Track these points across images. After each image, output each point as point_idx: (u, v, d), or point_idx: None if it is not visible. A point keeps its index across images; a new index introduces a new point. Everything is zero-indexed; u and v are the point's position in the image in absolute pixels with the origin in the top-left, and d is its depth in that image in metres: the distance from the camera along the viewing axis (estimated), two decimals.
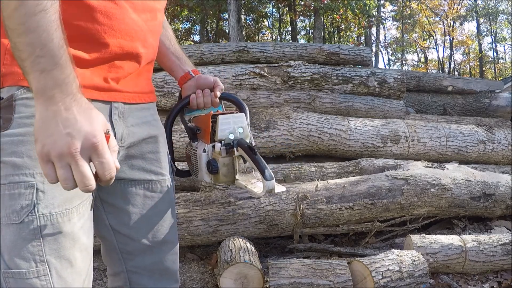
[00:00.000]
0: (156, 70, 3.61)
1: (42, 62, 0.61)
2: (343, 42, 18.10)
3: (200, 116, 1.05)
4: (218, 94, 1.08)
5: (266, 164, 0.85)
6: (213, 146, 0.95)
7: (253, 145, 0.96)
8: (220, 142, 0.93)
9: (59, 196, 0.74)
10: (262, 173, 0.84)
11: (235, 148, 0.91)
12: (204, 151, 0.97)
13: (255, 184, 0.93)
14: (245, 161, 0.93)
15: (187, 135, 1.10)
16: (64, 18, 0.69)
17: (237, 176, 0.94)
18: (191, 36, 19.53)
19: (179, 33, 18.43)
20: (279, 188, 0.88)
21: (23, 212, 0.72)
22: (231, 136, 0.94)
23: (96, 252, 0.99)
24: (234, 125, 0.95)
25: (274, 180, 0.84)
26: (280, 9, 18.82)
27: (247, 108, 1.10)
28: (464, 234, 2.48)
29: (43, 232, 0.73)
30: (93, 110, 0.65)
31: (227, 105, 1.17)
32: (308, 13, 14.04)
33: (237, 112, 1.00)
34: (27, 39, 0.61)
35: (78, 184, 0.62)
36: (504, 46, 28.78)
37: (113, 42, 0.81)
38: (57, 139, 0.61)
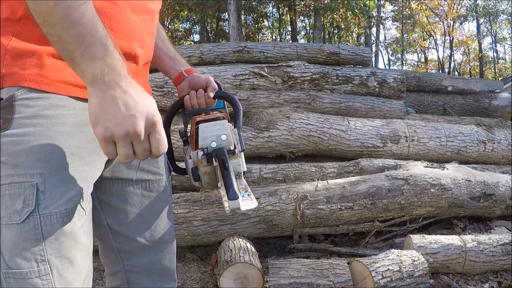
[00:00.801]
0: (156, 70, 3.62)
1: (92, 51, 0.64)
2: (343, 42, 18.10)
3: (191, 120, 1.04)
4: (211, 94, 1.07)
5: (233, 181, 0.83)
6: (197, 153, 0.93)
7: (242, 149, 0.95)
8: (202, 150, 0.91)
9: (59, 196, 0.75)
10: (227, 191, 0.81)
11: (213, 158, 0.89)
12: (190, 158, 0.96)
13: (224, 197, 0.90)
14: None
15: None
16: None
17: (219, 185, 0.92)
18: (191, 36, 19.55)
19: (179, 33, 18.44)
20: (247, 206, 0.84)
21: (24, 212, 0.72)
22: (213, 144, 0.91)
23: (96, 252, 0.99)
24: (216, 133, 0.91)
25: (239, 199, 0.81)
26: (280, 9, 18.81)
27: (241, 108, 1.08)
28: (464, 234, 2.48)
29: (44, 232, 0.73)
30: (145, 92, 0.69)
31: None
32: (308, 13, 14.04)
33: (222, 118, 0.97)
34: (74, 30, 0.63)
35: (142, 155, 0.69)
36: (504, 46, 28.80)
37: None
38: (121, 121, 0.65)
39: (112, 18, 0.79)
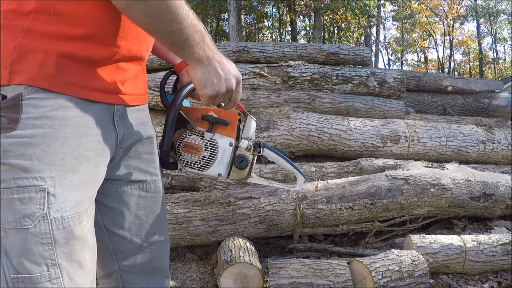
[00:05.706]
0: (156, 70, 3.61)
1: (196, 37, 0.80)
2: (343, 42, 18.09)
3: (227, 109, 1.02)
4: None
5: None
6: (244, 142, 0.99)
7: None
8: (247, 139, 1.00)
9: (70, 199, 0.74)
10: (298, 171, 1.01)
11: (261, 148, 1.00)
12: (231, 145, 0.99)
13: (272, 181, 1.08)
14: (267, 162, 1.04)
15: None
16: (81, 18, 0.72)
17: (252, 174, 1.02)
18: None
19: None
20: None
21: (35, 217, 0.70)
22: (253, 136, 1.02)
23: None
24: (254, 127, 1.03)
25: None
26: (280, 9, 18.81)
27: None
28: (464, 234, 2.47)
29: (55, 236, 0.72)
30: (228, 59, 0.90)
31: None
32: (308, 13, 14.03)
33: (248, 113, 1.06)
34: (186, 23, 0.77)
35: (234, 101, 0.95)
36: (504, 46, 28.82)
37: (123, 45, 0.82)
38: (223, 83, 0.87)
39: (125, 20, 0.80)
